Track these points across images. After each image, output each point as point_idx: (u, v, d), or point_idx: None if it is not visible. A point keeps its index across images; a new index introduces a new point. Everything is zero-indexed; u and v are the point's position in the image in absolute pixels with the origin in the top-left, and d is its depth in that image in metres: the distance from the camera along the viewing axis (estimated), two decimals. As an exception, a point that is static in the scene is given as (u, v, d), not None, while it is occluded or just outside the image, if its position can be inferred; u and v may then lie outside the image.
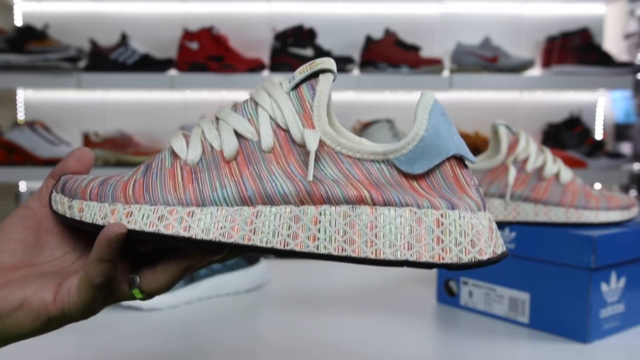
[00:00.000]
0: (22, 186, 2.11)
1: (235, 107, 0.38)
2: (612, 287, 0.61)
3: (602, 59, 1.89)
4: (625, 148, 2.11)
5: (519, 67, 1.88)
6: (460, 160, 0.35)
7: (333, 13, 2.08)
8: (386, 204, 0.34)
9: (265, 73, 1.86)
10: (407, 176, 0.35)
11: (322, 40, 1.99)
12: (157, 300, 0.70)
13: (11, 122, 2.05)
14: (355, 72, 1.90)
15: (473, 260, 0.33)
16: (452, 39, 2.03)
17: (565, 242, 0.60)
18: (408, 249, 0.33)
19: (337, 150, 0.35)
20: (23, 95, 2.11)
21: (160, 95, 2.10)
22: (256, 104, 0.37)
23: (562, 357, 0.57)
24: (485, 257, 0.34)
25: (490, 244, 0.34)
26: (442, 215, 0.34)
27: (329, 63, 0.36)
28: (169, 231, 0.36)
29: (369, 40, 1.89)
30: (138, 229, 0.36)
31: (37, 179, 1.86)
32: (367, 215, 0.34)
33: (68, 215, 0.38)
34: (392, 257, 0.34)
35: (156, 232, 0.36)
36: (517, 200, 0.63)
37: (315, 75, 0.37)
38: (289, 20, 2.00)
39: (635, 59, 2.01)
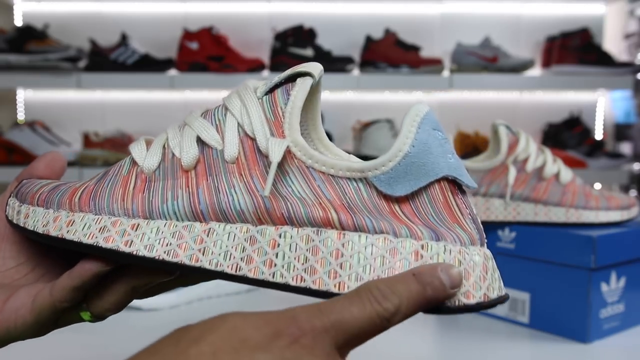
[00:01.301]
0: (22, 186, 2.11)
1: (206, 112, 0.35)
2: (612, 287, 0.61)
3: (602, 59, 1.89)
4: (625, 148, 2.11)
5: (519, 67, 1.88)
6: (454, 184, 0.30)
7: (333, 13, 2.08)
8: (357, 229, 0.29)
9: (265, 73, 1.86)
10: (388, 198, 0.30)
11: (322, 40, 1.99)
12: (157, 300, 0.70)
13: (11, 122, 2.05)
14: (355, 72, 1.90)
15: (457, 304, 0.28)
16: (452, 39, 2.03)
17: (565, 242, 0.60)
18: None
19: (309, 164, 0.31)
20: (23, 95, 2.11)
21: (160, 95, 2.10)
22: (226, 109, 0.34)
23: (562, 357, 0.57)
24: (472, 301, 0.28)
25: (481, 285, 0.28)
26: (422, 247, 0.29)
27: (311, 67, 0.33)
28: (109, 244, 0.31)
29: (369, 40, 1.89)
30: (76, 240, 0.32)
31: (37, 179, 1.86)
32: (334, 241, 0.29)
33: (14, 221, 0.35)
34: None
35: (94, 244, 0.32)
36: (517, 200, 0.63)
37: (293, 79, 0.33)
38: (289, 20, 2.00)
39: (635, 59, 2.01)
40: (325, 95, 2.10)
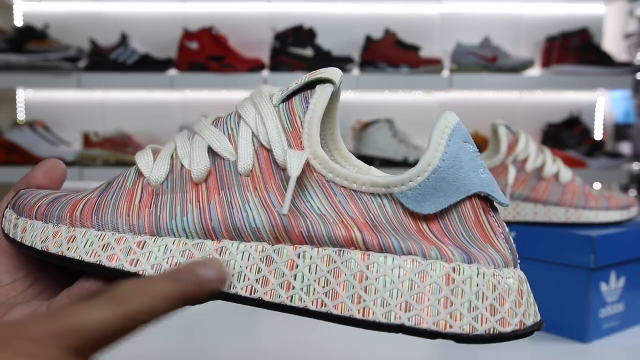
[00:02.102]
0: (22, 186, 2.11)
1: (217, 120, 0.33)
2: (612, 287, 0.61)
3: (602, 59, 1.89)
4: (625, 148, 2.11)
5: (519, 67, 1.88)
6: (486, 201, 0.28)
7: (333, 13, 2.08)
8: (383, 250, 0.27)
9: (266, 73, 1.86)
10: (415, 217, 0.28)
11: (322, 40, 1.99)
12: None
13: (11, 122, 2.05)
14: (355, 72, 1.90)
15: (492, 332, 0.27)
16: (452, 39, 2.03)
17: (565, 242, 0.60)
18: (406, 311, 0.26)
19: (330, 178, 0.28)
20: (23, 95, 2.11)
21: (160, 95, 2.10)
22: (240, 117, 0.31)
23: (562, 357, 0.57)
24: (508, 329, 0.27)
25: (517, 311, 0.27)
26: (454, 270, 0.27)
27: (331, 73, 0.30)
28: (113, 264, 0.29)
29: (369, 40, 1.89)
30: (77, 258, 0.30)
31: (37, 179, 1.86)
32: (357, 262, 0.27)
33: (11, 235, 0.32)
34: (383, 320, 0.26)
35: (97, 263, 0.29)
36: (517, 200, 0.63)
37: (312, 86, 0.30)
38: (289, 20, 2.00)
39: (635, 59, 2.01)
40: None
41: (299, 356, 0.57)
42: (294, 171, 0.28)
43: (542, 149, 0.66)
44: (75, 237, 0.30)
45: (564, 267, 0.61)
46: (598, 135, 2.15)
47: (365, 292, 0.27)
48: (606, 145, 2.13)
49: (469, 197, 0.28)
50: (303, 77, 0.30)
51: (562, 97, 2.14)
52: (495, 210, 0.28)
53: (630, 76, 1.86)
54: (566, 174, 0.64)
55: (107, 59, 1.85)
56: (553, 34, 2.00)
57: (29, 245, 0.31)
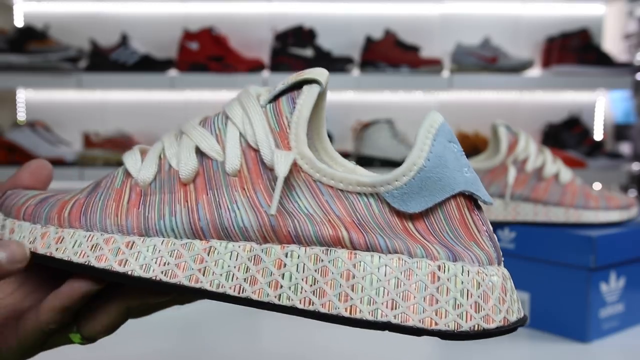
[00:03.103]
0: (22, 186, 2.11)
1: (204, 120, 0.33)
2: (612, 287, 0.62)
3: (602, 59, 1.89)
4: (625, 148, 2.11)
5: (519, 67, 1.88)
6: (470, 199, 0.28)
7: (333, 13, 2.08)
8: (369, 248, 0.28)
9: (266, 73, 1.86)
10: (401, 215, 0.28)
11: (322, 41, 1.99)
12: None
13: (11, 122, 2.05)
14: (355, 72, 1.90)
15: (476, 328, 0.27)
16: (452, 39, 2.03)
17: (565, 242, 0.60)
18: (392, 309, 0.27)
19: (317, 178, 0.29)
20: (23, 95, 2.11)
21: (160, 95, 2.10)
22: (227, 117, 0.31)
23: (562, 357, 0.57)
24: (492, 325, 0.27)
25: (501, 308, 0.27)
26: (439, 268, 0.27)
27: (317, 73, 0.30)
28: (101, 264, 0.29)
29: (369, 41, 1.89)
30: (66, 259, 0.30)
31: (37, 179, 1.86)
32: (344, 261, 0.28)
33: None
34: (370, 317, 0.27)
35: (86, 263, 0.29)
36: (517, 200, 0.63)
37: (299, 86, 0.30)
38: (289, 21, 2.00)
39: (635, 59, 2.01)
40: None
41: (299, 356, 0.58)
42: (282, 171, 0.28)
43: (542, 149, 0.66)
44: (63, 238, 0.30)
45: (563, 267, 0.61)
46: (598, 135, 2.15)
47: (352, 290, 0.27)
48: (606, 145, 2.13)
49: (454, 196, 0.28)
50: (290, 77, 0.31)
51: (561, 97, 2.14)
52: (479, 208, 0.29)
53: (630, 76, 1.86)
54: (566, 174, 0.65)
55: (107, 59, 1.85)
56: (553, 34, 2.00)
57: None
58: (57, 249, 0.30)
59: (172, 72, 1.89)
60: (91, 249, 0.30)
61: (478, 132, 1.96)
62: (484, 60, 1.87)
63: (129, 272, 0.29)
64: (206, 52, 1.85)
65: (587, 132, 2.01)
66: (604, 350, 0.59)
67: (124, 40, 1.88)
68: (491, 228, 0.29)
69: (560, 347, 0.59)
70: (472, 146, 1.90)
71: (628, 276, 0.63)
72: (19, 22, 2.08)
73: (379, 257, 0.28)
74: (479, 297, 0.27)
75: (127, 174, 0.32)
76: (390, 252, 0.28)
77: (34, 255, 0.31)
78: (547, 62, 1.99)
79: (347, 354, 0.58)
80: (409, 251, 0.27)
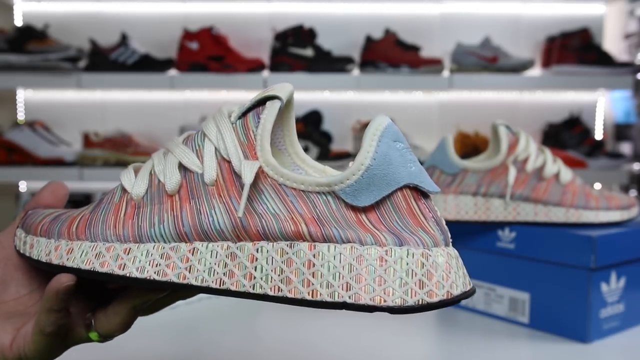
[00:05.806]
0: (22, 186, 2.11)
1: (187, 139, 0.37)
2: (612, 287, 0.61)
3: (602, 59, 1.89)
4: (625, 148, 2.11)
5: (519, 67, 1.88)
6: (417, 190, 0.32)
7: (333, 13, 2.08)
8: (326, 240, 0.32)
9: (266, 73, 1.86)
10: (355, 209, 0.32)
11: (322, 40, 1.99)
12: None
13: (11, 122, 2.05)
14: (355, 72, 1.90)
15: (420, 302, 0.30)
16: (452, 39, 2.03)
17: (565, 242, 0.60)
18: (346, 290, 0.31)
19: (281, 181, 0.33)
20: (23, 95, 2.11)
21: (160, 95, 2.10)
22: (204, 135, 0.36)
23: (562, 357, 0.57)
24: (435, 299, 0.30)
25: (444, 284, 0.30)
26: (386, 252, 0.31)
27: (279, 89, 0.35)
28: (104, 269, 0.35)
29: (369, 40, 1.89)
30: (75, 267, 0.35)
31: (37, 179, 1.86)
32: (305, 252, 0.32)
33: (22, 251, 0.38)
34: (329, 299, 0.31)
35: (92, 269, 0.35)
36: (517, 200, 0.63)
37: (263, 102, 0.35)
38: (289, 20, 2.00)
39: (635, 59, 2.01)
40: (326, 95, 2.10)
41: (298, 356, 0.57)
42: (247, 178, 0.32)
43: (542, 149, 0.66)
44: (72, 249, 0.36)
45: (564, 267, 0.61)
46: (598, 135, 2.15)
47: (313, 277, 0.31)
48: (606, 145, 2.13)
49: (400, 189, 0.31)
50: (257, 94, 0.35)
51: (562, 97, 2.14)
52: (427, 197, 0.32)
53: (630, 76, 1.86)
54: (566, 174, 0.64)
55: (107, 59, 1.85)
56: (553, 34, 2.00)
57: (36, 258, 0.37)
58: (68, 258, 0.35)
59: (172, 72, 1.89)
60: (95, 257, 0.35)
61: (478, 132, 1.95)
62: (484, 60, 1.87)
63: (127, 274, 0.34)
64: (206, 52, 1.85)
65: (587, 132, 2.01)
66: (605, 350, 0.59)
67: (123, 40, 1.88)
68: (438, 214, 0.32)
69: (561, 347, 0.59)
70: (473, 146, 1.90)
71: (628, 276, 0.63)
72: (18, 22, 2.08)
73: (335, 246, 0.31)
74: (423, 275, 0.30)
75: (124, 190, 0.37)
76: (344, 242, 0.31)
77: (50, 265, 0.36)
78: (547, 62, 1.99)
79: (346, 354, 0.57)
80: (360, 240, 0.31)
